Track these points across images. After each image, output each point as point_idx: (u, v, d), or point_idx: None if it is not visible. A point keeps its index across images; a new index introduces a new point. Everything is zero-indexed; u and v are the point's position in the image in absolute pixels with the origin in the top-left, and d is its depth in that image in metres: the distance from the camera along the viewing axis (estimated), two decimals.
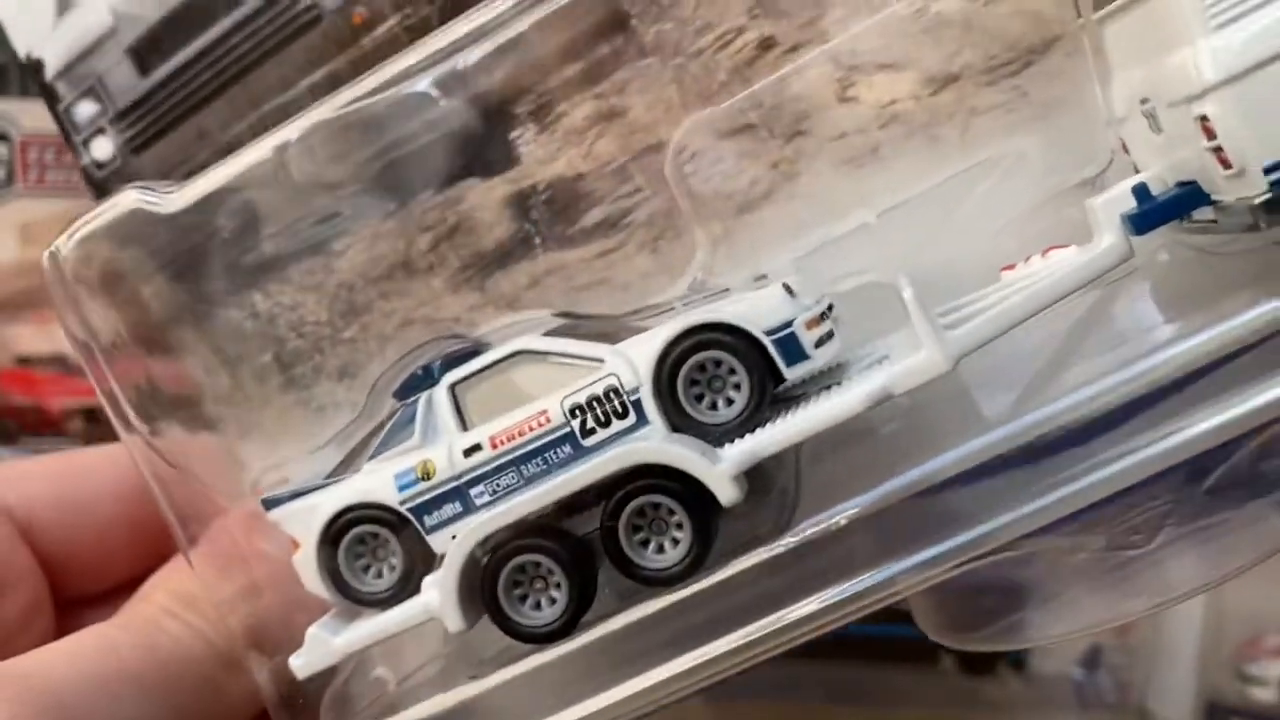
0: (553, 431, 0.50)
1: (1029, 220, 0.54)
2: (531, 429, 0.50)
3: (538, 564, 0.50)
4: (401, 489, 0.52)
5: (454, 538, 0.51)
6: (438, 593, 0.51)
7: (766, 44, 0.59)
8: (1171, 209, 0.47)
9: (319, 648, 0.53)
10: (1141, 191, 0.48)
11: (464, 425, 0.52)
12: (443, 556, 0.51)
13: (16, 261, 0.86)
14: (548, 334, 0.52)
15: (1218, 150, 0.44)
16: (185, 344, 0.60)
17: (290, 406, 0.63)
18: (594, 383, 0.50)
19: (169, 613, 0.58)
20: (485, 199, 0.62)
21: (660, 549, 0.49)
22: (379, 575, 0.53)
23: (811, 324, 0.49)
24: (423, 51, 0.53)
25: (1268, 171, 0.43)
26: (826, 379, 0.51)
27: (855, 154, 0.59)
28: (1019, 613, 0.53)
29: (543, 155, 0.61)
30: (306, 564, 0.53)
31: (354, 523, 0.52)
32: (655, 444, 0.49)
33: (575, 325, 0.54)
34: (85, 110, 0.65)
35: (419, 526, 0.52)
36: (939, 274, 0.53)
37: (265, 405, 0.63)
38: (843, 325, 0.51)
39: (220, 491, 0.58)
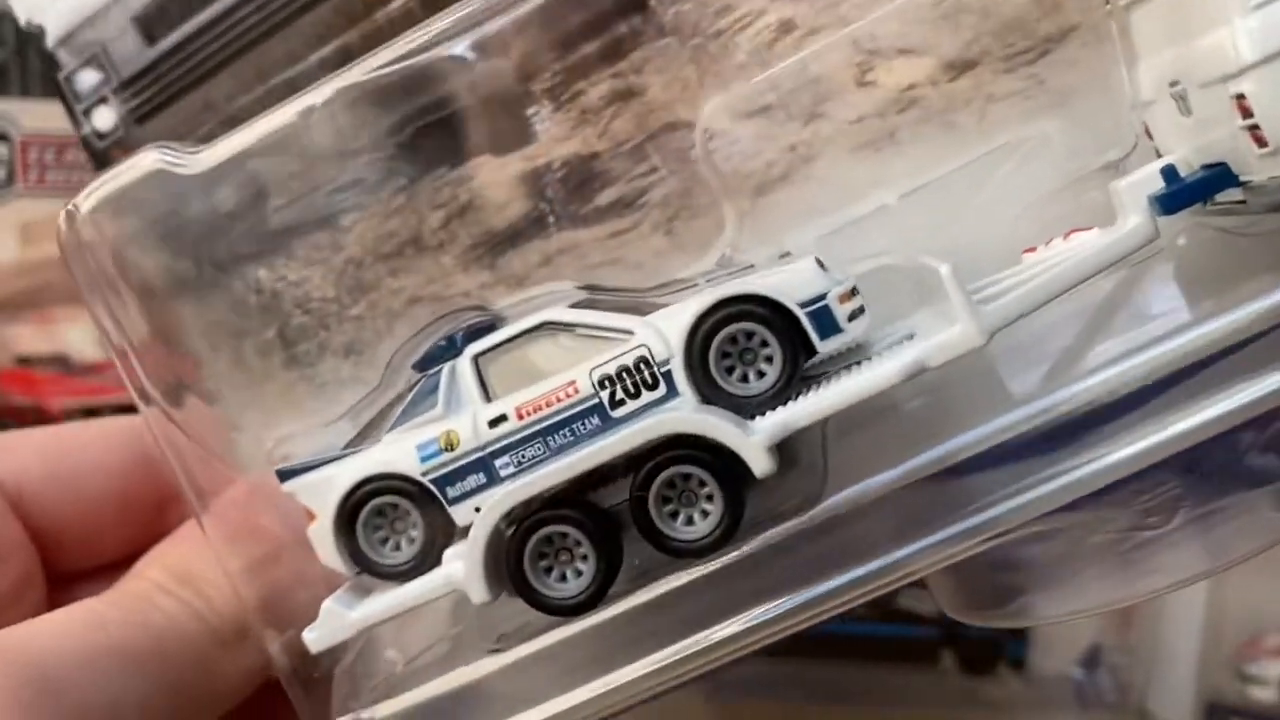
0: (581, 402, 0.50)
1: (1049, 203, 0.55)
2: (559, 399, 0.50)
3: (565, 535, 0.50)
4: (424, 460, 0.51)
5: (477, 510, 0.50)
6: (462, 564, 0.50)
7: (786, 27, 0.60)
8: (1200, 189, 0.48)
9: (334, 621, 0.52)
10: (1170, 173, 0.48)
11: (488, 397, 0.51)
12: (464, 530, 0.51)
13: (16, 261, 0.85)
14: (574, 306, 0.52)
15: (1253, 128, 0.44)
16: (191, 314, 0.59)
17: (294, 383, 0.62)
18: (624, 353, 0.49)
19: (163, 589, 0.57)
20: (498, 176, 0.61)
21: (690, 521, 0.49)
22: (397, 548, 0.52)
23: (844, 298, 0.49)
24: (453, 16, 0.52)
25: None
26: (847, 359, 0.51)
27: (873, 138, 0.59)
28: (1035, 590, 0.53)
29: (558, 133, 0.61)
30: (323, 536, 0.52)
31: (374, 494, 0.52)
32: (688, 414, 0.48)
33: (599, 299, 0.53)
34: (87, 79, 0.63)
35: (441, 498, 0.51)
36: (959, 256, 0.53)
37: (267, 381, 0.62)
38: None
39: (231, 466, 0.57)
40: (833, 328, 0.49)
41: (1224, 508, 0.53)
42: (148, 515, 0.63)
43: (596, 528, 0.50)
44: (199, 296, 0.59)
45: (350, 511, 0.52)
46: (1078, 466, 0.49)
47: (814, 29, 0.59)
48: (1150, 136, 0.52)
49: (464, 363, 0.52)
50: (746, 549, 0.49)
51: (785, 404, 0.49)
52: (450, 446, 0.51)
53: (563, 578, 0.50)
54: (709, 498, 0.49)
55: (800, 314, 0.48)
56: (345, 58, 0.61)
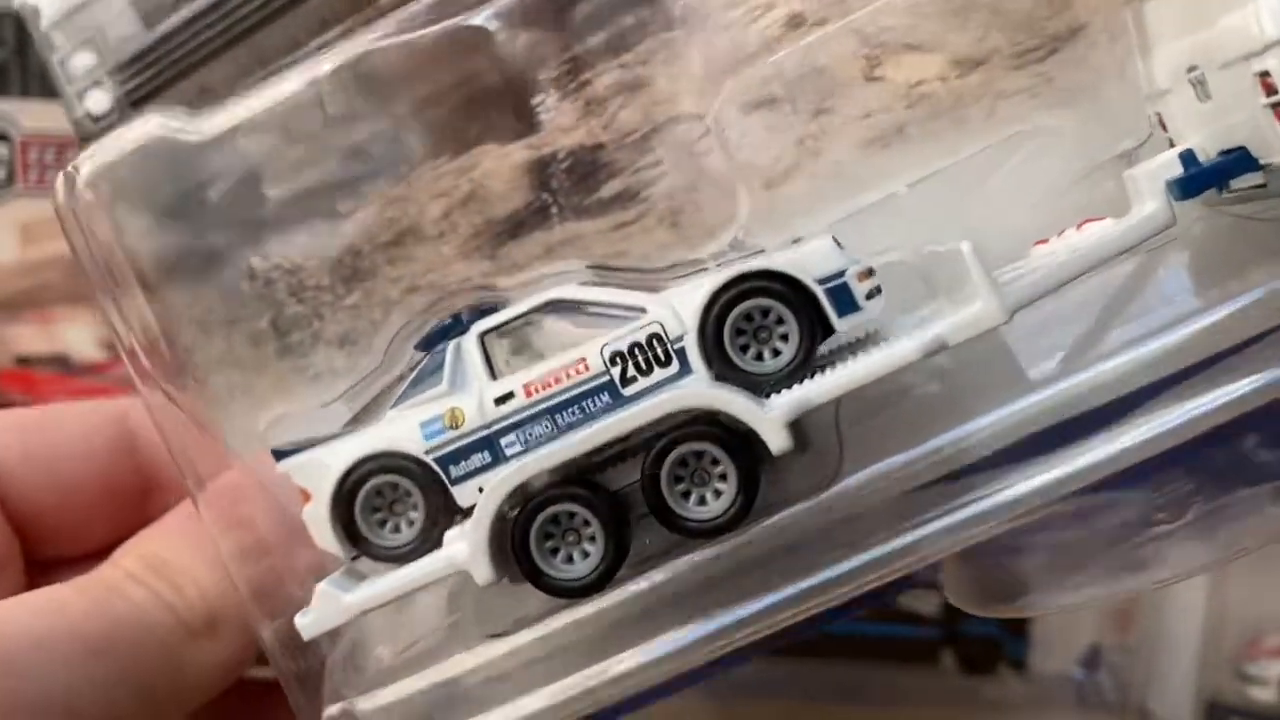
0: (591, 379, 0.49)
1: (1060, 197, 0.54)
2: (569, 376, 0.49)
3: (573, 515, 0.49)
4: (427, 437, 0.50)
5: (481, 490, 0.49)
6: (465, 544, 0.48)
7: (795, 21, 0.59)
8: (1219, 173, 0.48)
9: (329, 605, 0.50)
10: (1189, 157, 0.48)
11: (494, 374, 0.50)
12: (466, 512, 0.49)
13: (16, 261, 0.83)
14: (584, 284, 0.51)
15: (1277, 106, 0.44)
16: (181, 296, 0.58)
17: (285, 373, 0.61)
18: (637, 329, 0.48)
19: (133, 577, 0.55)
20: (501, 166, 0.61)
21: (702, 501, 0.48)
22: (396, 530, 0.51)
23: (862, 276, 0.48)
24: None
25: None
26: (860, 347, 0.50)
27: (881, 133, 0.59)
28: (1043, 579, 0.52)
29: (564, 123, 0.60)
30: (318, 518, 0.51)
31: (374, 473, 0.50)
32: (703, 388, 0.47)
33: (609, 279, 0.52)
34: (82, 61, 0.62)
35: (444, 478, 0.50)
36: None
37: (260, 371, 0.61)
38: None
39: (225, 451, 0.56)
40: (850, 305, 0.48)
41: (1232, 503, 0.53)
42: (131, 502, 0.61)
43: (605, 507, 0.48)
44: (193, 274, 0.57)
45: (348, 492, 0.50)
46: (1091, 450, 0.48)
47: (822, 21, 0.59)
48: (1164, 128, 0.52)
49: (470, 340, 0.51)
50: (758, 530, 0.48)
51: (801, 383, 0.48)
52: (455, 424, 0.50)
53: (569, 559, 0.49)
54: (722, 477, 0.48)
55: (818, 290, 0.48)
56: None
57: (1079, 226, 0.52)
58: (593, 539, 0.49)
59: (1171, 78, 0.50)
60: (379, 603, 0.50)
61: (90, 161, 0.48)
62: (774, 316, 0.48)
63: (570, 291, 0.50)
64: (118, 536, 0.59)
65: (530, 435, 0.49)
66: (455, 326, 0.51)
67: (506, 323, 0.51)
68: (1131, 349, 0.48)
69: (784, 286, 0.48)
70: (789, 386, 0.48)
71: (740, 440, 0.47)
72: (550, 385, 0.49)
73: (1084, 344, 0.50)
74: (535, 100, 0.60)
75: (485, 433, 0.49)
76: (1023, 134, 0.55)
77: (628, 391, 0.48)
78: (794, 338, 0.48)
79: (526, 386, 0.49)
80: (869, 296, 0.48)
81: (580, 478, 0.49)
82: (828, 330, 0.48)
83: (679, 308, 0.48)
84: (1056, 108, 0.57)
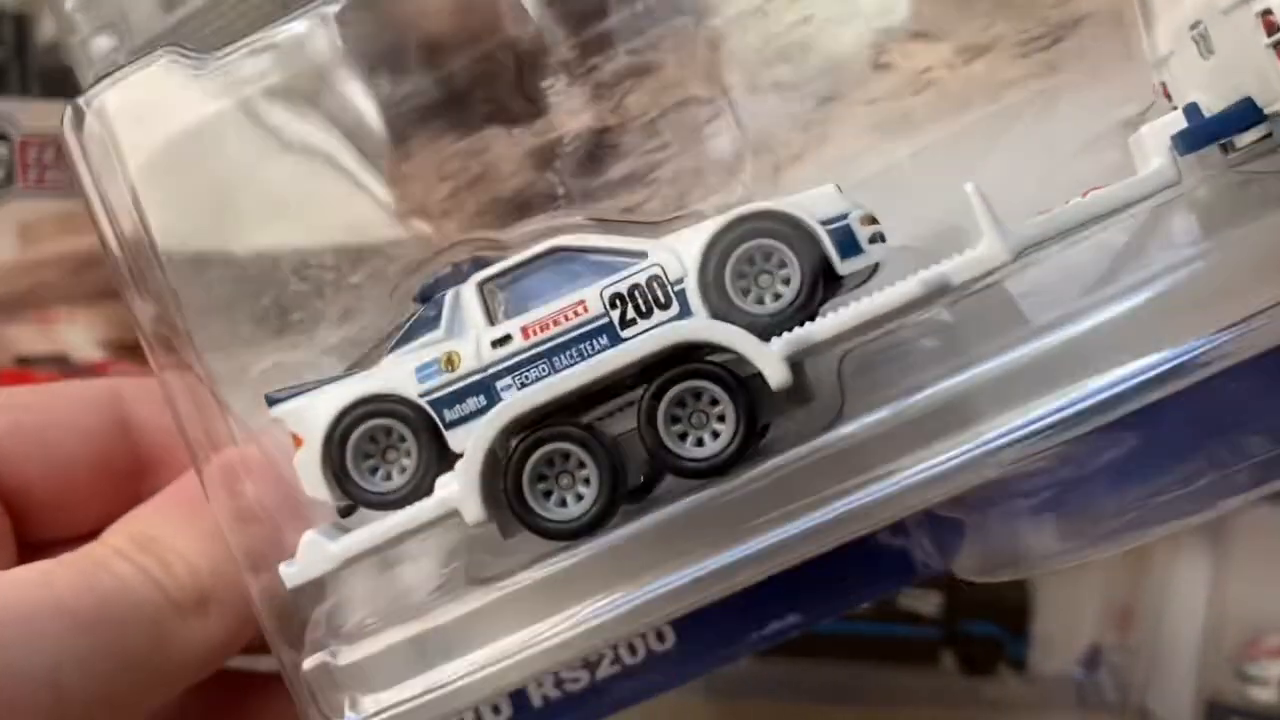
0: (590, 321, 0.48)
1: (1063, 167, 0.54)
2: (567, 319, 0.48)
3: (567, 455, 0.47)
4: (422, 380, 0.49)
5: None
6: (458, 484, 0.47)
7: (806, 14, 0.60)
8: (1224, 123, 0.47)
9: (314, 553, 0.49)
10: (1193, 109, 0.48)
11: (492, 322, 0.50)
12: (459, 458, 0.48)
13: (16, 261, 0.83)
14: (584, 233, 0.51)
15: (1279, 45, 0.44)
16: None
17: (285, 351, 0.60)
18: (637, 272, 0.48)
19: (120, 553, 0.54)
20: (509, 149, 0.61)
21: (700, 442, 0.47)
22: (388, 478, 0.49)
23: (865, 220, 0.48)
24: None
25: None
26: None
27: (887, 119, 0.59)
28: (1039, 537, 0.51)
29: (572, 106, 0.60)
30: (309, 463, 0.50)
31: (367, 416, 0.49)
32: (702, 321, 0.47)
33: (611, 228, 0.52)
34: (102, 44, 0.63)
35: (439, 421, 0.49)
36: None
37: (259, 350, 0.60)
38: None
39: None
40: (854, 248, 0.47)
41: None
42: (124, 481, 0.60)
43: (602, 449, 0.47)
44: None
45: (341, 436, 0.49)
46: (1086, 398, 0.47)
47: (832, 16, 0.60)
48: (1169, 97, 0.52)
49: (469, 288, 0.50)
50: (751, 473, 0.47)
51: (802, 325, 0.47)
52: (451, 366, 0.49)
53: (563, 502, 0.48)
54: (720, 418, 0.47)
55: (821, 232, 0.47)
56: None
57: (1085, 195, 0.52)
58: (587, 481, 0.47)
59: (1174, 39, 0.50)
60: (366, 549, 0.49)
61: (100, 95, 0.49)
62: (776, 260, 0.48)
63: (571, 239, 0.50)
64: (111, 517, 0.58)
65: (527, 379, 0.48)
66: (454, 277, 0.51)
67: (507, 270, 0.50)
68: (1131, 294, 0.48)
69: (786, 227, 0.47)
70: (790, 329, 0.47)
71: (739, 381, 0.47)
72: (549, 327, 0.48)
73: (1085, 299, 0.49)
74: (545, 83, 0.61)
75: (481, 376, 0.49)
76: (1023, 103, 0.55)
77: (627, 334, 0.48)
78: (795, 280, 0.47)
79: (524, 329, 0.49)
80: (872, 240, 0.48)
81: (576, 421, 0.48)
82: (830, 275, 0.47)
83: (680, 251, 0.48)
84: (1063, 94, 0.57)
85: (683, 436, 0.47)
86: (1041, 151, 0.55)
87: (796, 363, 0.47)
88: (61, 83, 0.75)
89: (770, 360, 0.46)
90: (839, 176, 0.58)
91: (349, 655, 0.49)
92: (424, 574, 0.53)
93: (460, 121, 0.60)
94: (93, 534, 0.57)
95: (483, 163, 0.61)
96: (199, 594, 0.54)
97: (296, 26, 0.50)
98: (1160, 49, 0.52)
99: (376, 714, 0.48)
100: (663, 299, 0.48)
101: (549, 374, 0.48)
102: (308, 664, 0.49)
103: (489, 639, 0.47)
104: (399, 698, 0.48)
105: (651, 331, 0.47)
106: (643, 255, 0.49)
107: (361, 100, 0.56)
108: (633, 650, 0.61)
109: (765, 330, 0.47)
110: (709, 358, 0.47)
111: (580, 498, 0.47)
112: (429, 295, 0.51)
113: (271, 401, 0.51)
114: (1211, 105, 0.49)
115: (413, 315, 0.51)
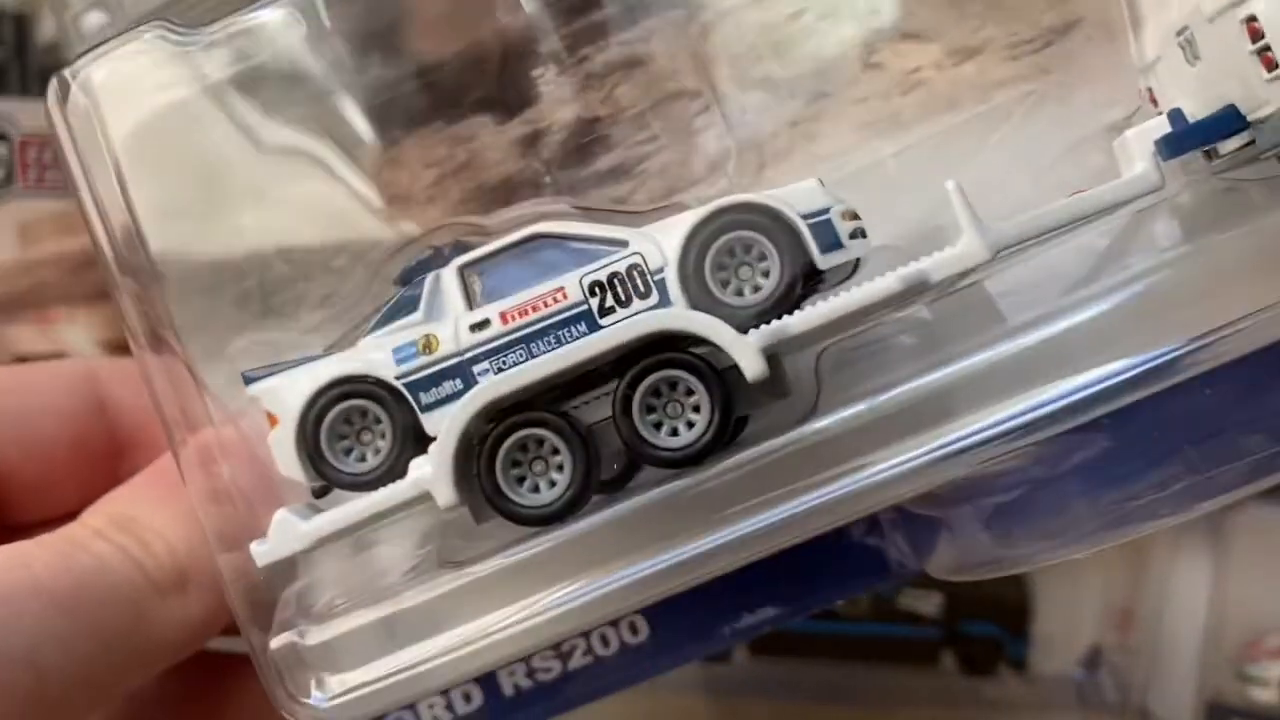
0: (569, 308, 0.48)
1: (1048, 170, 0.54)
2: (546, 305, 0.48)
3: (541, 441, 0.47)
4: (399, 362, 0.49)
5: None
6: (431, 466, 0.47)
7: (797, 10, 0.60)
8: (1207, 129, 0.47)
9: (286, 532, 0.49)
10: (1177, 115, 0.48)
11: (471, 306, 0.49)
12: (434, 441, 0.48)
13: (15, 261, 0.83)
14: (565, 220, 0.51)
15: (1264, 51, 0.44)
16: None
17: (269, 331, 0.60)
18: (617, 260, 0.48)
19: (99, 533, 0.53)
20: (496, 138, 0.61)
21: (674, 432, 0.47)
22: (362, 459, 0.49)
23: (847, 215, 0.48)
24: None
25: None
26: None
27: (876, 119, 0.59)
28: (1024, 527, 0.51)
29: (561, 96, 0.60)
30: (283, 442, 0.50)
31: (343, 396, 0.49)
32: (679, 311, 0.47)
33: (595, 216, 0.52)
34: (93, 21, 0.63)
35: (414, 404, 0.49)
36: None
37: (240, 332, 0.60)
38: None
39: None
40: (834, 243, 0.47)
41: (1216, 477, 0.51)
42: (102, 463, 0.60)
43: (576, 436, 0.47)
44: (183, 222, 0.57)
45: (316, 416, 0.49)
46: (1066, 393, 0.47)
47: (826, 13, 0.60)
48: (1155, 103, 0.52)
49: (449, 272, 0.50)
50: (728, 463, 0.47)
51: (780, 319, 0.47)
52: (429, 349, 0.49)
53: (535, 487, 0.47)
54: (695, 408, 0.47)
55: (802, 225, 0.47)
56: None
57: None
58: (560, 467, 0.47)
59: (1161, 44, 0.50)
60: (338, 529, 0.48)
61: (86, 68, 0.48)
62: (756, 252, 0.48)
63: (552, 226, 0.50)
64: (89, 498, 0.57)
65: (504, 364, 0.48)
66: (435, 260, 0.51)
67: (488, 255, 0.50)
68: (1109, 296, 0.48)
69: (767, 219, 0.47)
70: (768, 322, 0.47)
71: (715, 373, 0.47)
72: (527, 313, 0.48)
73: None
74: (535, 73, 0.61)
75: (458, 359, 0.49)
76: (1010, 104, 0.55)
77: (605, 322, 0.48)
78: (775, 273, 0.47)
79: (503, 314, 0.48)
80: (853, 236, 0.48)
81: (551, 408, 0.48)
82: (810, 270, 0.47)
83: (661, 241, 0.48)
84: (1052, 98, 0.57)
85: (658, 425, 0.47)
86: (1027, 154, 0.55)
87: (773, 356, 0.47)
88: None
89: (747, 352, 0.46)
90: (825, 174, 0.59)
91: (317, 635, 0.49)
92: (398, 557, 0.53)
93: (448, 108, 0.60)
94: (71, 515, 0.57)
95: (469, 150, 0.61)
96: (178, 574, 0.53)
97: (285, 6, 0.50)
98: (1147, 54, 0.52)
99: (343, 694, 0.48)
100: (642, 288, 0.48)
101: (526, 359, 0.48)
102: (275, 643, 0.49)
103: (459, 622, 0.47)
104: (366, 678, 0.48)
105: (629, 320, 0.47)
106: (624, 244, 0.49)
107: (348, 82, 0.56)
108: (605, 642, 0.61)
109: (744, 323, 0.47)
110: (687, 348, 0.47)
111: (553, 484, 0.47)
112: (409, 278, 0.51)
113: (248, 380, 0.51)
114: (1196, 111, 0.49)
115: (392, 298, 0.51)
